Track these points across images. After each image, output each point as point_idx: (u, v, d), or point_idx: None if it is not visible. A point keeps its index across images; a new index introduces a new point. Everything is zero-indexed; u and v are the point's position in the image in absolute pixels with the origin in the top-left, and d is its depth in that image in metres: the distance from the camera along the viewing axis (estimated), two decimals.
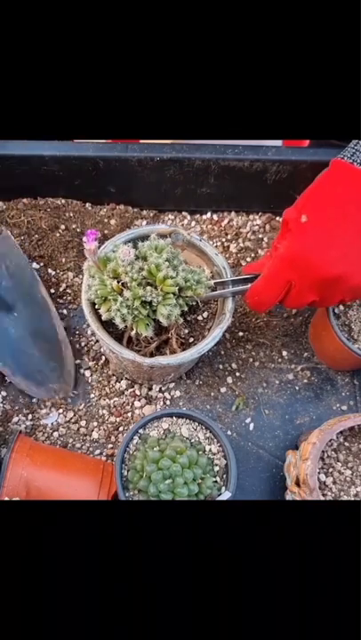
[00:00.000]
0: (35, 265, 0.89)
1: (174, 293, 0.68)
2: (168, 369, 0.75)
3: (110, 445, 0.80)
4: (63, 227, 0.91)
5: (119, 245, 0.70)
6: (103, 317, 0.70)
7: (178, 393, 0.82)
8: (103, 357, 0.84)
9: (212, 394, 0.83)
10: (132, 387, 0.83)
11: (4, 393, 0.82)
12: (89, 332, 0.86)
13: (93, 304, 0.72)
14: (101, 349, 0.85)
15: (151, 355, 0.74)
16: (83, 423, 0.81)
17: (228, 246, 0.92)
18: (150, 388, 0.82)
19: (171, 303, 0.68)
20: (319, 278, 0.63)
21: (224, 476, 0.70)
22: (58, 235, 0.90)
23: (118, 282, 0.68)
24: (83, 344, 0.85)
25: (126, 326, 0.70)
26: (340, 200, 0.61)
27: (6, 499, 0.66)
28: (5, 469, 0.67)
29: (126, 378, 0.83)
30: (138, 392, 0.82)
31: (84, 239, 0.66)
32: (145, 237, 0.75)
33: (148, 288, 0.67)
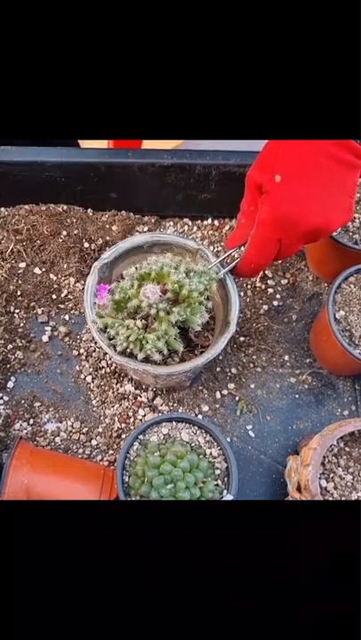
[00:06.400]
0: (37, 270, 0.89)
1: (201, 302, 0.69)
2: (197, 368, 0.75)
3: (111, 452, 0.80)
4: (65, 233, 0.91)
5: (129, 279, 0.71)
6: (139, 357, 0.70)
7: (178, 398, 0.82)
8: (103, 362, 0.85)
9: (213, 398, 0.83)
10: (135, 392, 0.83)
11: (5, 398, 0.83)
12: (89, 338, 0.86)
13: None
14: (111, 362, 0.85)
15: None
16: (84, 429, 0.81)
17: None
18: (156, 394, 0.83)
19: (201, 310, 0.69)
20: (306, 230, 0.65)
21: (225, 479, 0.70)
22: (60, 240, 0.91)
23: (140, 319, 0.69)
24: (83, 350, 0.85)
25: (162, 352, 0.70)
26: (307, 152, 0.61)
27: None
28: (6, 476, 0.67)
29: (130, 384, 0.83)
30: (140, 398, 0.82)
31: (97, 295, 0.70)
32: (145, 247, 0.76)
33: (175, 309, 0.68)
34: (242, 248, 0.72)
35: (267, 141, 0.66)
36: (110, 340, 0.71)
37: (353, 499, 0.69)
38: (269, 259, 0.69)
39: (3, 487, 0.67)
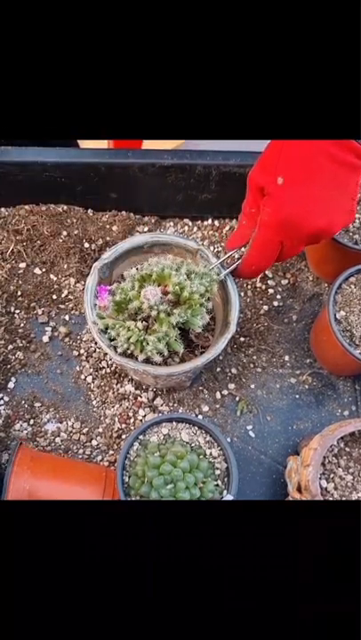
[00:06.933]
0: (37, 270, 0.89)
1: (202, 304, 0.69)
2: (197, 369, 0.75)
3: (111, 452, 0.80)
4: (65, 233, 0.91)
5: (129, 280, 0.71)
6: (140, 359, 0.70)
7: (178, 398, 0.82)
8: (103, 362, 0.85)
9: (213, 399, 0.83)
10: (135, 392, 0.83)
11: (6, 398, 0.83)
12: (89, 338, 0.86)
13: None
14: (111, 362, 0.85)
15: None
16: (85, 430, 0.81)
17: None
18: (156, 394, 0.83)
19: (201, 312, 0.69)
20: (308, 233, 0.65)
21: (225, 479, 0.70)
22: (60, 241, 0.91)
23: (141, 320, 0.69)
24: (83, 351, 0.85)
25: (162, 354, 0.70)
26: (309, 154, 0.61)
27: None
28: (7, 483, 0.67)
29: (131, 384, 0.83)
30: (140, 398, 0.82)
31: (97, 297, 0.70)
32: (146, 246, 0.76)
33: (176, 310, 0.68)
34: (242, 248, 0.72)
35: (269, 142, 0.65)
36: (111, 341, 0.71)
37: (353, 499, 0.69)
38: (271, 261, 0.69)
39: (5, 494, 0.67)
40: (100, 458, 0.80)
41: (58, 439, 0.80)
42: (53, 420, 0.82)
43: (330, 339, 0.77)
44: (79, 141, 1.22)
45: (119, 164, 0.86)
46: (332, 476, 0.70)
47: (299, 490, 0.70)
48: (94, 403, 0.83)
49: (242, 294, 0.90)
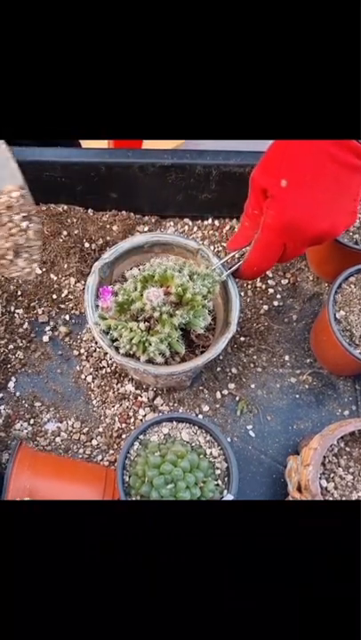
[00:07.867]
0: (37, 270, 0.89)
1: (204, 305, 0.69)
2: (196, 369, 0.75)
3: (112, 452, 0.80)
4: (65, 233, 0.91)
5: (132, 281, 0.71)
6: (142, 359, 0.70)
7: (178, 398, 0.82)
8: (104, 362, 0.85)
9: (214, 398, 0.83)
10: (135, 392, 0.83)
11: (6, 398, 0.83)
12: (89, 338, 0.86)
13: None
14: (110, 361, 0.85)
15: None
16: (85, 429, 0.81)
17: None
18: (156, 394, 0.83)
19: (204, 314, 0.69)
20: (312, 235, 0.65)
21: (225, 478, 0.70)
22: (60, 240, 0.91)
23: (144, 321, 0.69)
24: (83, 350, 0.85)
25: (163, 353, 0.70)
26: (312, 156, 0.61)
27: None
28: (8, 482, 0.67)
29: (131, 384, 0.83)
30: (141, 398, 0.82)
31: (100, 298, 0.70)
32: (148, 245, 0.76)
33: (178, 312, 0.68)
34: (243, 248, 0.72)
35: (271, 143, 0.65)
36: (113, 341, 0.71)
37: (353, 499, 0.69)
38: (272, 262, 0.69)
39: (5, 494, 0.67)
40: (100, 457, 0.80)
41: (58, 439, 0.80)
42: (53, 420, 0.82)
43: (330, 338, 0.77)
44: (81, 141, 1.22)
45: (119, 164, 0.86)
46: (332, 475, 0.70)
47: (299, 489, 0.70)
48: (94, 402, 0.83)
49: (242, 294, 0.90)
